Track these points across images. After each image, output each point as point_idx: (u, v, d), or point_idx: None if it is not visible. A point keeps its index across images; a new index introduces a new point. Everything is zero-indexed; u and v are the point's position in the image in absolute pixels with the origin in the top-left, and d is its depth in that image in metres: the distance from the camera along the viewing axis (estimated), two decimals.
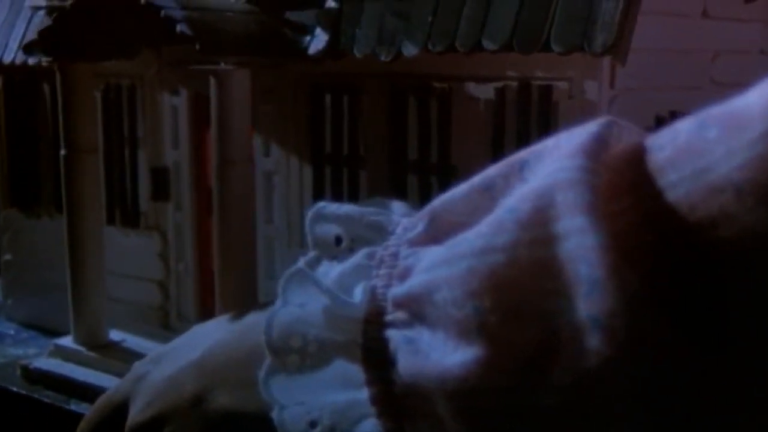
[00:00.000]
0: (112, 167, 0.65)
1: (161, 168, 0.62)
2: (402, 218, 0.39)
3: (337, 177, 0.54)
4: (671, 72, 0.50)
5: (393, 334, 0.34)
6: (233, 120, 0.50)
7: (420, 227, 0.36)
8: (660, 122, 0.49)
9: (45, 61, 0.58)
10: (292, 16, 0.54)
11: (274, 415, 0.36)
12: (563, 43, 0.44)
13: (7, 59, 0.68)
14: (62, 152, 0.59)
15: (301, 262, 0.40)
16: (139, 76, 0.63)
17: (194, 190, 0.61)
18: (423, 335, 0.33)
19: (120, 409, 0.43)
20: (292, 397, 0.36)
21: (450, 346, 0.32)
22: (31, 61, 0.64)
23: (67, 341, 0.61)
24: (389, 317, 0.34)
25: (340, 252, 0.39)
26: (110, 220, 0.66)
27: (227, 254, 0.51)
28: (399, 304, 0.34)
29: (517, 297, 0.30)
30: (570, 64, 0.45)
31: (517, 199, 0.32)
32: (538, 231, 0.30)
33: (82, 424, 0.46)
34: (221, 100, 0.50)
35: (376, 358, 0.34)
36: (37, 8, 0.68)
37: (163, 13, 0.50)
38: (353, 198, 0.54)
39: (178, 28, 0.49)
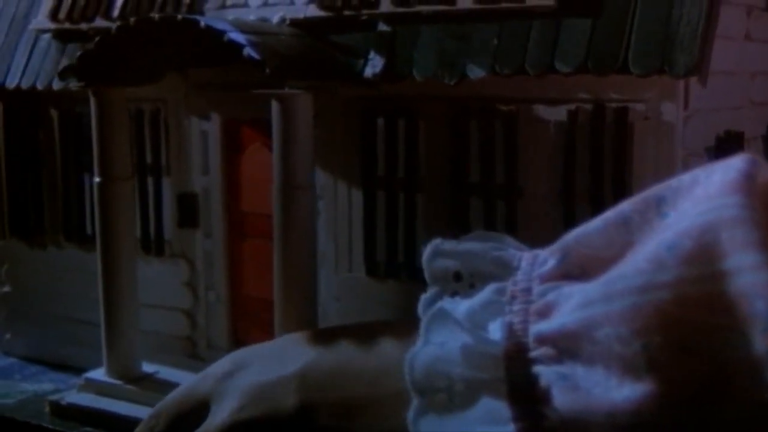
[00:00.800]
0: (147, 195, 0.63)
1: (189, 194, 0.61)
2: (522, 253, 0.39)
3: (392, 200, 0.54)
4: (722, 93, 0.52)
5: (542, 371, 0.34)
6: (297, 144, 0.50)
7: (551, 262, 0.37)
8: (720, 142, 0.50)
9: (77, 85, 0.56)
10: (338, 39, 0.54)
11: None
12: (642, 66, 0.45)
13: (11, 84, 0.66)
14: (96, 180, 0.57)
15: (424, 299, 0.40)
16: (162, 100, 0.61)
17: (226, 216, 0.60)
18: (577, 371, 0.34)
19: (200, 405, 0.44)
20: None
21: (613, 382, 0.33)
22: (56, 86, 0.62)
23: (98, 374, 0.59)
24: (533, 354, 0.35)
25: (460, 287, 0.40)
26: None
27: (289, 279, 0.51)
28: (543, 341, 0.35)
29: (686, 333, 0.31)
30: (647, 86, 0.46)
31: (675, 236, 0.32)
32: (704, 268, 0.31)
33: (156, 416, 0.46)
34: (285, 123, 0.49)
35: (524, 394, 0.35)
36: (42, 31, 0.66)
37: (226, 37, 0.49)
38: (410, 222, 0.54)
39: (245, 52, 0.48)
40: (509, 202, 0.50)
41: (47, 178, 0.67)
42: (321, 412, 0.42)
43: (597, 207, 0.48)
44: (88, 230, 0.66)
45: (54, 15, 0.64)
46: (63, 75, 0.55)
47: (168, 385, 0.57)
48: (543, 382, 0.35)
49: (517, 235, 0.49)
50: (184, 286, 0.62)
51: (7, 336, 0.71)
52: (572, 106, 0.48)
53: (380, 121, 0.54)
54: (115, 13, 0.62)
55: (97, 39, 0.54)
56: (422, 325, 0.38)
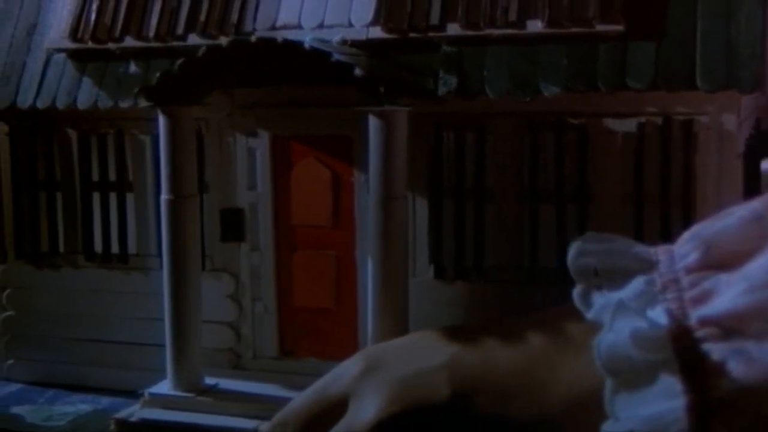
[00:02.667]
0: None
1: (234, 210, 0.63)
2: (656, 249, 0.45)
3: (460, 208, 0.58)
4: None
5: (712, 348, 0.40)
6: (395, 157, 0.53)
7: (694, 256, 0.42)
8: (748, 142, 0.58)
9: (148, 104, 0.57)
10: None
11: (607, 426, 0.42)
12: (710, 82, 0.52)
13: (24, 104, 0.65)
14: (166, 197, 0.58)
15: (577, 294, 0.45)
16: (203, 119, 0.63)
17: (275, 229, 0.62)
18: (748, 347, 0.40)
19: (336, 405, 0.47)
20: (630, 411, 0.41)
21: None
22: (80, 105, 0.62)
23: (162, 389, 0.59)
24: (698, 334, 0.40)
25: (603, 282, 0.45)
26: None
27: (387, 285, 0.54)
28: (707, 323, 0.40)
29: None
30: (710, 100, 0.53)
31: None
32: None
33: (283, 423, 0.49)
34: (386, 138, 0.53)
35: (694, 369, 0.40)
36: (57, 50, 0.65)
37: (333, 58, 0.52)
38: (478, 228, 0.58)
39: (356, 72, 0.51)
40: (580, 206, 0.56)
41: (64, 199, 0.67)
42: (476, 400, 0.46)
43: (665, 209, 0.55)
44: (113, 249, 0.66)
45: (74, 34, 0.64)
46: (144, 94, 0.56)
47: (232, 395, 0.59)
48: (715, 357, 0.40)
49: None
50: (228, 299, 0.64)
51: (10, 362, 0.69)
52: (642, 119, 0.55)
53: (449, 135, 0.58)
54: (151, 33, 0.63)
55: (182, 60, 0.55)
56: (606, 315, 0.43)
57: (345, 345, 0.62)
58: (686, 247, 0.43)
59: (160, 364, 0.64)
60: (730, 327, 0.40)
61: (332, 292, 0.62)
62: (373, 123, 0.53)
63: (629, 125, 0.55)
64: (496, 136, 0.57)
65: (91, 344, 0.67)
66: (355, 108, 0.53)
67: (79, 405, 0.64)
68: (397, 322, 0.55)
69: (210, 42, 0.61)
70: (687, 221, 0.54)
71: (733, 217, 0.43)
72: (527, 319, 0.49)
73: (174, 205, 0.58)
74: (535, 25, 0.55)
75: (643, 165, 0.55)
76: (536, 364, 0.46)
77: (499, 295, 0.58)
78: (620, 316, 0.43)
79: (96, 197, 0.66)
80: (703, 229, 0.44)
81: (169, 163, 0.57)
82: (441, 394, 0.46)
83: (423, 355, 0.48)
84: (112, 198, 0.66)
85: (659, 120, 0.54)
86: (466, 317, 0.58)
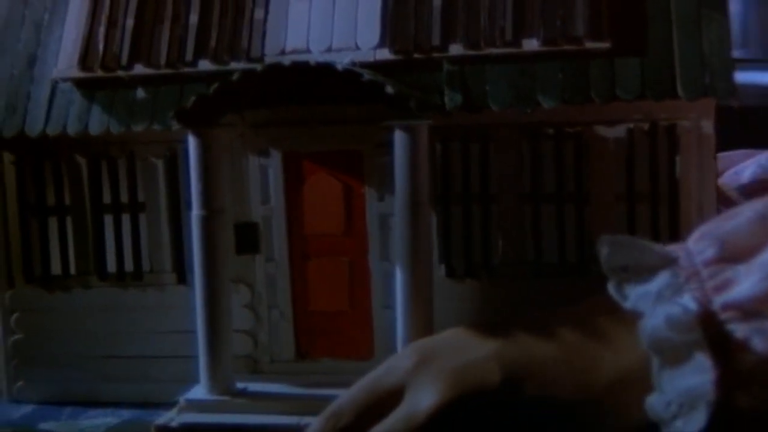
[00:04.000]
0: (181, 229, 0.68)
1: (249, 224, 0.67)
2: (674, 247, 0.52)
3: (468, 212, 0.64)
4: None
5: (736, 328, 0.47)
6: (420, 165, 0.59)
7: (711, 252, 0.50)
8: None
9: (178, 126, 0.60)
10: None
11: (652, 398, 0.48)
12: (690, 91, 0.59)
13: (33, 131, 0.68)
14: (199, 213, 0.61)
15: (612, 288, 0.51)
16: None
17: (289, 239, 0.66)
18: (767, 326, 0.47)
19: (391, 395, 0.53)
20: (671, 385, 0.48)
21: None
22: (92, 131, 0.65)
23: (197, 394, 0.63)
24: (722, 317, 0.48)
25: (632, 277, 0.51)
26: (181, 280, 0.68)
27: (416, 286, 0.59)
28: (729, 307, 0.48)
29: None
30: (689, 107, 0.61)
31: None
32: None
33: (337, 413, 0.54)
34: (412, 149, 0.58)
35: (720, 347, 0.47)
36: (65, 80, 0.68)
37: (365, 77, 0.57)
38: (485, 229, 0.64)
39: (388, 90, 0.57)
40: (578, 206, 0.63)
41: (74, 222, 0.69)
42: (523, 385, 0.52)
43: (654, 205, 0.62)
44: (127, 268, 0.69)
45: (82, 63, 0.67)
46: (180, 116, 0.59)
47: (266, 396, 0.63)
48: (739, 335, 0.47)
49: (586, 233, 0.62)
50: (245, 308, 0.68)
51: (19, 383, 0.71)
52: (630, 125, 0.62)
53: (455, 146, 0.64)
54: (161, 60, 0.66)
55: (217, 84, 0.59)
56: (645, 304, 0.49)
57: (359, 344, 0.67)
58: (702, 244, 0.51)
59: (177, 374, 0.68)
60: (750, 309, 0.48)
61: (346, 295, 0.66)
62: (399, 136, 0.58)
63: (619, 131, 0.62)
64: (499, 145, 0.63)
65: (105, 360, 0.70)
66: (383, 123, 0.59)
67: (104, 418, 0.67)
68: (425, 319, 0.60)
69: (220, 68, 0.65)
70: (673, 215, 0.61)
71: (740, 217, 0.51)
72: (561, 313, 0.56)
73: (207, 220, 0.61)
74: (531, 44, 0.62)
75: (633, 166, 0.62)
76: (574, 353, 0.53)
77: (506, 290, 0.64)
78: (658, 304, 0.49)
79: (108, 219, 0.69)
80: (714, 228, 0.51)
81: (201, 180, 0.61)
82: (492, 381, 0.52)
83: (471, 346, 0.54)
84: (125, 219, 0.68)
85: (646, 126, 0.61)
86: (476, 311, 0.64)
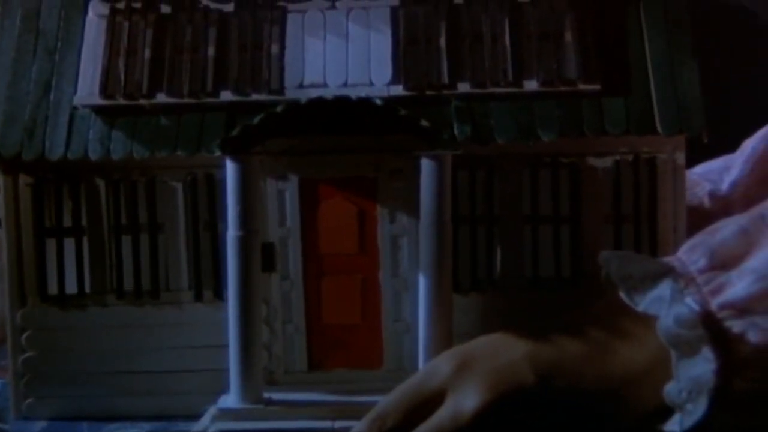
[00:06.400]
0: (198, 250, 0.72)
1: (265, 244, 0.71)
2: (670, 258, 0.61)
3: (474, 232, 0.71)
4: None
5: (733, 324, 0.57)
6: (445, 189, 0.65)
7: (703, 261, 0.59)
8: None
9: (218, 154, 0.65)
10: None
11: (669, 386, 0.58)
12: (667, 128, 0.69)
13: (54, 156, 0.70)
14: (237, 233, 0.66)
15: (624, 296, 0.60)
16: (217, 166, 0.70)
17: (304, 258, 0.72)
18: (759, 321, 0.57)
19: (433, 397, 0.60)
20: (685, 374, 0.57)
21: None
22: (114, 156, 0.69)
23: (229, 403, 0.67)
24: (720, 315, 0.57)
25: (637, 284, 0.60)
26: (198, 298, 0.72)
27: (440, 297, 0.66)
28: (725, 307, 0.57)
29: None
30: (667, 141, 0.70)
31: None
32: None
33: (382, 416, 0.60)
34: (439, 176, 0.65)
35: (720, 340, 0.57)
36: (86, 106, 0.71)
37: (402, 112, 0.63)
38: (489, 247, 0.72)
39: (423, 123, 0.63)
40: (571, 227, 0.71)
41: (91, 243, 0.72)
42: (555, 382, 0.60)
43: (636, 226, 0.71)
44: (144, 286, 0.72)
45: (104, 91, 0.71)
46: (225, 144, 0.64)
47: (291, 403, 0.68)
48: (736, 330, 0.57)
49: (579, 250, 0.70)
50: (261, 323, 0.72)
51: (29, 400, 0.73)
52: (617, 157, 0.71)
53: (462, 174, 0.71)
54: (184, 89, 0.71)
55: (263, 115, 0.64)
56: (659, 308, 0.58)
57: (370, 355, 0.72)
58: (695, 255, 0.60)
59: (192, 388, 0.72)
60: (744, 308, 0.58)
61: (359, 309, 0.72)
62: (426, 164, 0.65)
63: (607, 162, 0.71)
64: (502, 173, 0.71)
65: (121, 376, 0.73)
66: (414, 152, 0.65)
67: (126, 431, 0.70)
68: (447, 327, 0.66)
69: (241, 98, 0.70)
70: (653, 234, 0.71)
71: (725, 231, 0.61)
72: (582, 316, 0.64)
73: (244, 240, 0.66)
74: (531, 85, 0.70)
75: (619, 192, 0.71)
76: (596, 350, 0.61)
77: (507, 302, 0.71)
78: (670, 306, 0.58)
79: (125, 240, 0.72)
80: (703, 241, 0.61)
81: (240, 203, 0.66)
82: (528, 380, 0.60)
83: (505, 350, 0.61)
84: (143, 239, 0.72)
85: (630, 157, 0.71)
86: (481, 322, 0.71)
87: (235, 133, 0.64)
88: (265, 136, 0.66)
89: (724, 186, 0.89)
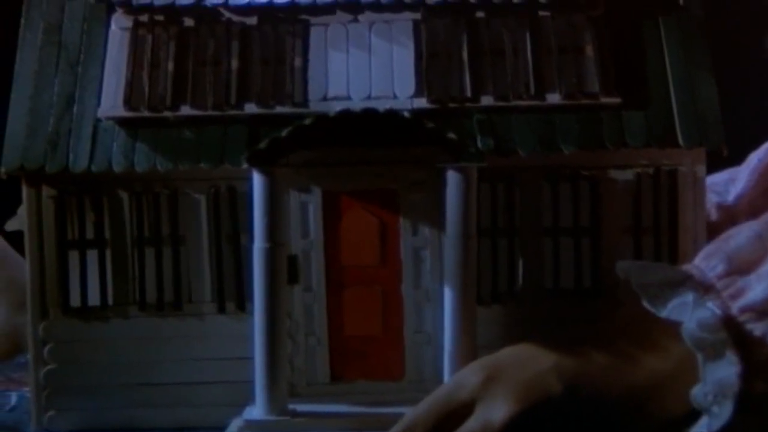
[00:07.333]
0: (221, 262, 0.72)
1: (289, 256, 0.72)
2: (687, 266, 0.62)
3: (494, 245, 0.72)
4: None
5: (754, 327, 0.58)
6: (470, 202, 0.66)
7: (721, 267, 0.60)
8: None
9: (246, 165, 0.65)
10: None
11: (696, 389, 0.58)
12: (687, 141, 0.70)
13: (78, 168, 0.71)
14: (263, 246, 0.66)
15: (648, 303, 0.60)
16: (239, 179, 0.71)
17: (326, 271, 0.72)
18: None
19: (462, 409, 0.61)
20: (711, 377, 0.58)
21: None
22: (138, 168, 0.69)
23: (255, 415, 0.67)
24: (740, 319, 0.58)
25: (659, 292, 0.61)
26: (221, 310, 0.73)
27: (465, 310, 0.66)
28: (746, 310, 0.58)
29: None
30: (687, 154, 0.71)
31: None
32: None
33: (411, 427, 0.61)
34: (464, 188, 0.66)
35: (742, 343, 0.58)
36: (109, 118, 0.71)
37: (429, 125, 0.64)
38: (511, 259, 0.72)
39: (450, 135, 0.64)
40: (592, 239, 0.72)
41: (114, 255, 0.72)
42: (581, 391, 0.61)
43: (656, 238, 0.72)
44: (167, 298, 0.72)
45: (128, 103, 0.71)
46: (253, 157, 0.64)
47: (314, 415, 0.68)
48: (757, 333, 0.58)
49: (599, 262, 0.71)
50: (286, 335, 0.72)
51: (51, 413, 0.73)
52: (638, 170, 0.71)
53: (484, 186, 0.71)
54: (209, 103, 0.71)
55: (291, 128, 0.64)
56: (676, 313, 0.59)
57: (391, 366, 0.73)
58: (712, 262, 0.61)
59: (214, 399, 0.72)
60: (763, 310, 0.58)
61: (380, 320, 0.72)
62: (452, 176, 0.66)
63: (628, 175, 0.71)
64: (523, 185, 0.72)
65: (142, 388, 0.73)
66: (438, 164, 0.66)
67: None
68: (471, 342, 0.67)
69: (265, 111, 0.71)
70: (673, 246, 0.71)
71: (740, 237, 0.62)
72: (606, 327, 0.64)
73: (270, 252, 0.66)
74: (554, 98, 0.71)
75: (639, 205, 0.71)
76: (623, 361, 0.62)
77: (528, 313, 0.72)
78: (693, 311, 0.59)
79: (148, 252, 0.72)
80: (718, 248, 0.62)
81: (266, 215, 0.66)
82: (555, 390, 0.60)
83: (532, 361, 0.62)
84: (166, 251, 0.72)
85: (651, 170, 0.71)
86: (503, 333, 0.71)
87: (263, 145, 0.65)
88: (293, 149, 0.67)
89: (730, 198, 0.90)
